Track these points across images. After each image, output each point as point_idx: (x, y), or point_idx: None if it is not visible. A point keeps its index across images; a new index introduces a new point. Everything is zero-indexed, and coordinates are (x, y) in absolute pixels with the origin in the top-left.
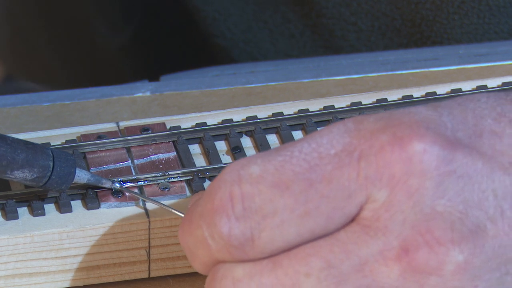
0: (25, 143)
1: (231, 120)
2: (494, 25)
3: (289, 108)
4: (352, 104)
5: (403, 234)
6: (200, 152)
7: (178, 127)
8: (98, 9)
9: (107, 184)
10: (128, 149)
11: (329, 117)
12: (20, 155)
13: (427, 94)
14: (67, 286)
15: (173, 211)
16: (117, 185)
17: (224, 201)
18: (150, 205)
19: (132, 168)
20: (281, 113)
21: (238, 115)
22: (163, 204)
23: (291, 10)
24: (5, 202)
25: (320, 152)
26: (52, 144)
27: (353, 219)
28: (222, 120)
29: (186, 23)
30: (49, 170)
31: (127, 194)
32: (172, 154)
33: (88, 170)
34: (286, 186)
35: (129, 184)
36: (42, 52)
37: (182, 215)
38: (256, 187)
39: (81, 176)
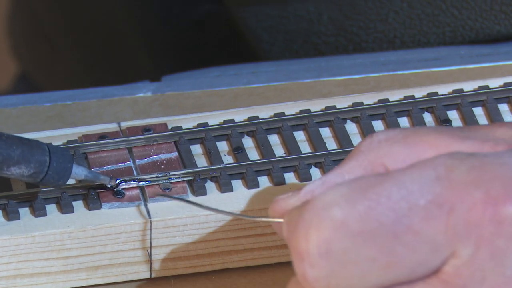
0: (20, 139)
1: (232, 121)
2: None
3: (291, 108)
4: (354, 104)
5: None
6: (201, 152)
7: (180, 128)
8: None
9: (105, 181)
10: (130, 150)
11: (330, 117)
12: (16, 151)
13: (429, 94)
14: (68, 287)
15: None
16: (116, 181)
17: (300, 244)
18: (151, 205)
19: (133, 168)
20: (282, 114)
21: (239, 115)
22: (225, 212)
23: (324, 42)
24: (7, 202)
25: (409, 201)
26: (53, 144)
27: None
28: (223, 121)
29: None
30: (46, 165)
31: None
32: (174, 155)
33: (90, 169)
34: (369, 236)
35: (130, 184)
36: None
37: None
38: (337, 234)
39: (78, 172)
